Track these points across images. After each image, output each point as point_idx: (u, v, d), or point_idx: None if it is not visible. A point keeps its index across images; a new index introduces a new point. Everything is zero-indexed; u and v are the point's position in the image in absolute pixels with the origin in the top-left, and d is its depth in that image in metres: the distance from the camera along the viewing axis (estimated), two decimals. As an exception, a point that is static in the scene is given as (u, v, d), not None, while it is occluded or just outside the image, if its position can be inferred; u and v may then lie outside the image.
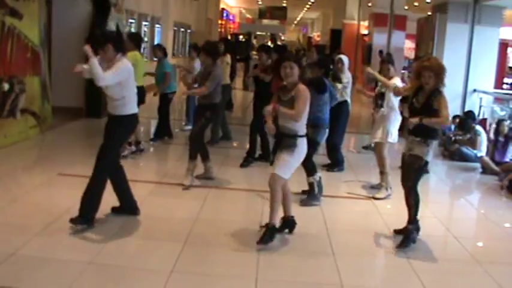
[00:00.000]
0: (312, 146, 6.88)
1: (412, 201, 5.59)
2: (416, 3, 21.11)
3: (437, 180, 9.01)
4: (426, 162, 5.53)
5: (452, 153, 10.05)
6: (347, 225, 6.33)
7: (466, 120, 10.24)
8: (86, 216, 5.36)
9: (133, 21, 15.65)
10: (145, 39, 17.08)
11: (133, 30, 15.48)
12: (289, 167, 5.31)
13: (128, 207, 5.89)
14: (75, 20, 11.28)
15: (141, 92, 8.72)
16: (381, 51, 11.29)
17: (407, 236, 5.53)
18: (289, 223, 5.66)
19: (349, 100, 8.70)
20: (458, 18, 11.74)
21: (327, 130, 6.99)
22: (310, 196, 6.77)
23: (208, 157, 7.48)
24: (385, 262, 5.38)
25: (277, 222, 5.44)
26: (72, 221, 5.29)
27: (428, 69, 5.38)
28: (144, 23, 16.99)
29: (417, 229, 5.64)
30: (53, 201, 5.81)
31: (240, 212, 6.63)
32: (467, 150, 9.87)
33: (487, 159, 9.39)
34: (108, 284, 4.48)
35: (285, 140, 5.30)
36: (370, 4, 22.54)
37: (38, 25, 9.58)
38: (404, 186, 5.64)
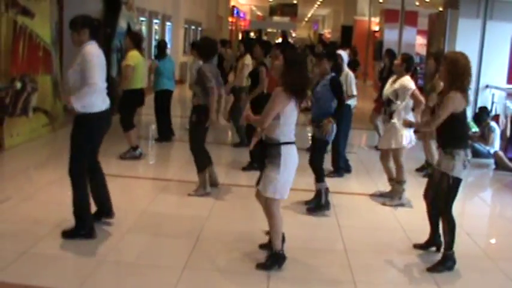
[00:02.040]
0: (321, 146, 6.61)
1: (446, 227, 5.01)
2: (427, -1, 21.00)
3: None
4: (456, 180, 4.92)
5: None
6: (359, 222, 6.31)
7: (481, 116, 10.13)
8: (79, 231, 5.15)
9: (144, 19, 15.68)
10: (156, 37, 17.11)
11: (144, 28, 15.52)
12: (279, 184, 4.68)
13: (103, 210, 5.56)
14: (87, 18, 11.28)
15: (141, 95, 8.66)
16: (389, 50, 11.04)
17: (442, 263, 5.00)
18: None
19: (351, 103, 8.24)
20: (470, 13, 11.65)
21: (335, 126, 6.49)
22: (317, 206, 6.43)
23: (211, 162, 7.00)
24: (397, 259, 5.36)
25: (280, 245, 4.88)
26: (64, 234, 5.13)
27: (444, 59, 5.01)
28: (155, 20, 17.02)
29: (453, 261, 5.02)
30: (65, 199, 5.83)
31: (252, 209, 6.61)
32: (479, 146, 9.79)
33: (501, 154, 9.29)
34: (120, 281, 4.50)
35: (269, 150, 4.73)
36: (381, 0, 22.44)
37: (49, 24, 9.63)
38: (430, 207, 5.24)
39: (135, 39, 8.55)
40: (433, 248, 5.41)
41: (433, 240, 5.41)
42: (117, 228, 5.47)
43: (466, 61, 4.89)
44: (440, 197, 5.02)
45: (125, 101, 8.42)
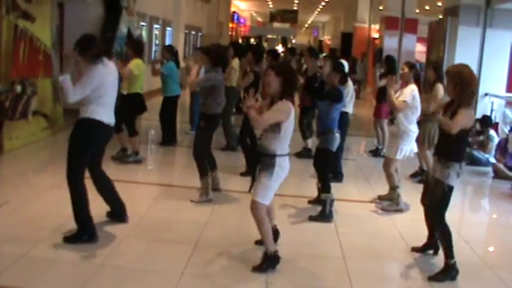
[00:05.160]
0: (325, 155, 6.60)
1: (440, 236, 5.07)
2: (427, 7, 21.07)
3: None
4: (450, 188, 4.92)
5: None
6: (357, 229, 6.30)
7: (482, 124, 10.14)
8: (81, 236, 5.15)
9: (144, 24, 15.70)
10: (157, 42, 17.14)
11: (144, 33, 15.53)
12: (269, 191, 4.81)
13: (115, 213, 5.69)
14: (87, 22, 11.29)
15: (140, 100, 8.66)
16: (388, 57, 10.94)
17: (444, 272, 4.96)
18: (273, 233, 5.08)
19: (350, 110, 8.34)
20: (470, 21, 11.67)
21: (338, 136, 6.59)
22: (322, 215, 6.34)
23: (215, 167, 7.09)
24: (395, 266, 5.36)
25: (273, 246, 4.95)
26: (66, 239, 5.13)
27: (446, 74, 5.07)
28: (155, 26, 17.04)
29: (456, 271, 4.98)
30: (64, 203, 5.82)
31: (250, 215, 6.61)
32: (478, 154, 9.79)
33: (501, 166, 9.26)
34: (119, 286, 4.50)
35: (263, 159, 4.80)
36: (381, 7, 22.50)
37: (50, 28, 9.64)
38: (427, 212, 5.22)
39: (136, 47, 8.53)
40: (431, 251, 5.43)
41: (430, 242, 5.43)
42: (116, 233, 5.46)
43: (470, 70, 4.96)
44: (435, 204, 5.02)
45: (124, 105, 8.41)
